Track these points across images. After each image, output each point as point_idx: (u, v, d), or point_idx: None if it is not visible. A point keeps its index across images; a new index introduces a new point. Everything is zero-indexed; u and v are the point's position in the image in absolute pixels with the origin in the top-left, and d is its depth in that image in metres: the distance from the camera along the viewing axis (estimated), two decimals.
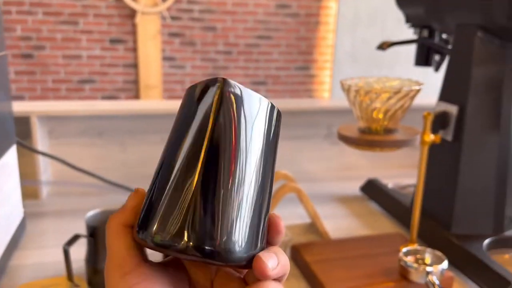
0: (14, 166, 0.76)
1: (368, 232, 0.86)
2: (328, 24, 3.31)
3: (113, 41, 3.03)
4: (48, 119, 1.02)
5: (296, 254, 0.73)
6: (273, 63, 3.30)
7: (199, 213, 0.24)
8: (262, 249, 0.26)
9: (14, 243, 0.75)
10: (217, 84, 0.26)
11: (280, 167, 1.17)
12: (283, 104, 1.10)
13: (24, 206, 0.83)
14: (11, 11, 2.85)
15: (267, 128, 0.26)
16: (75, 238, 0.62)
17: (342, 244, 0.76)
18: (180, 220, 0.24)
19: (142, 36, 3.02)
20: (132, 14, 2.98)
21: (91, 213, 0.65)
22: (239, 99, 0.26)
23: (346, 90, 0.65)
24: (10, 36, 2.88)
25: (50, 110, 0.96)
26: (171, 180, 0.25)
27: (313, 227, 0.85)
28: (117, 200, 0.96)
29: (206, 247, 0.24)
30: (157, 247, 0.25)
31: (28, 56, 2.94)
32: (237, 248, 0.24)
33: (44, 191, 0.99)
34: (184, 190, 0.24)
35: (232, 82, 0.26)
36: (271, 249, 0.27)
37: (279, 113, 0.28)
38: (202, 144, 0.25)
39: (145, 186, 0.29)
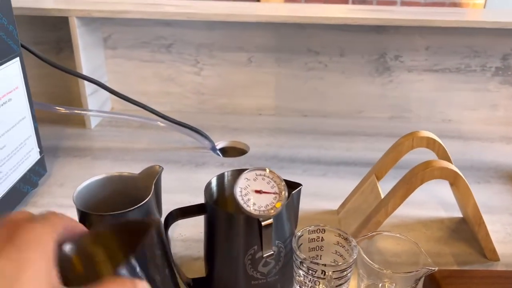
0: (20, 87, 0.52)
1: None
2: None
3: None
4: (102, 22, 0.77)
5: None
6: None
7: None
8: None
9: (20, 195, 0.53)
10: None
11: (417, 118, 0.81)
12: (424, 15, 0.72)
13: (67, 136, 0.69)
14: None
15: None
16: None
17: None
18: None
19: None
20: None
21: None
22: None
23: None
24: None
25: (94, 9, 0.69)
26: None
27: (464, 226, 0.51)
28: (178, 139, 0.71)
29: None
30: None
31: None
32: None
33: (93, 119, 0.76)
34: None
35: None
36: None
37: None
38: None
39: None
